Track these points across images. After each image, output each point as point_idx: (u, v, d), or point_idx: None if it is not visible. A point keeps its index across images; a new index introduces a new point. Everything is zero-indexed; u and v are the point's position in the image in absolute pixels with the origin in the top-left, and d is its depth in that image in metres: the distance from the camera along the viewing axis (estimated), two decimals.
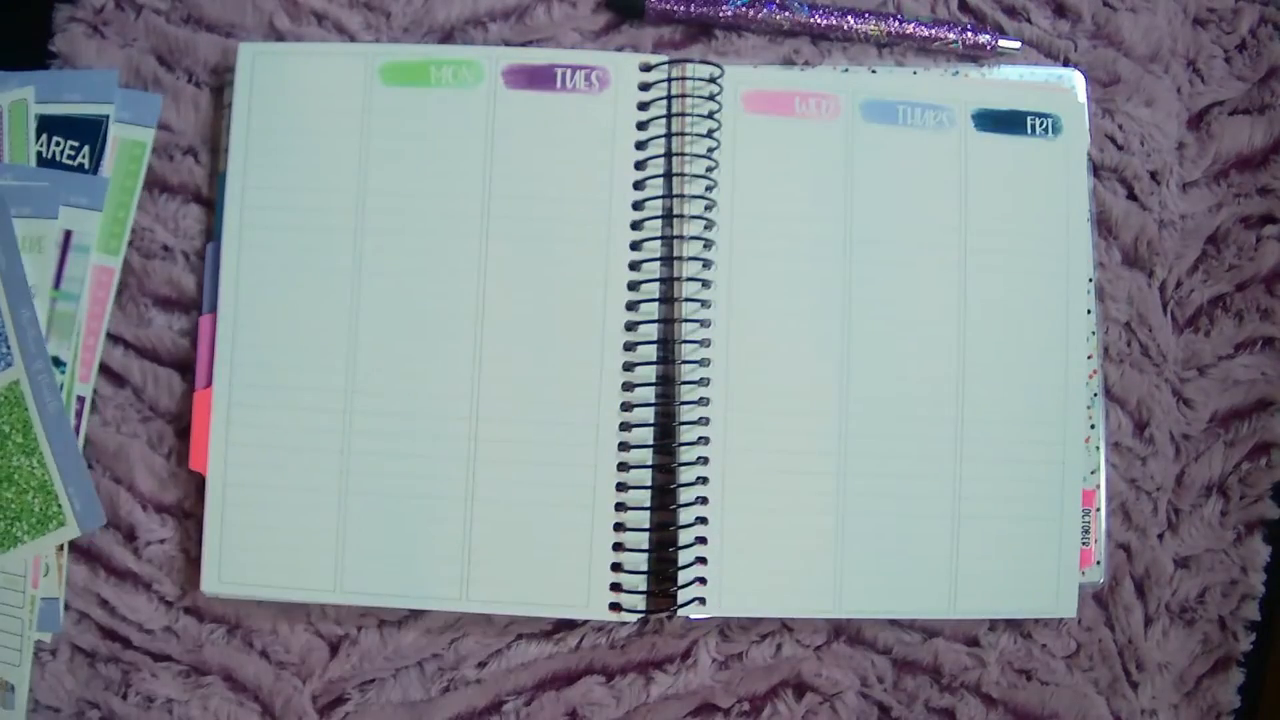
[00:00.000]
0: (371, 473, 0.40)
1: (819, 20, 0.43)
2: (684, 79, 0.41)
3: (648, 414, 0.40)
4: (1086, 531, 0.42)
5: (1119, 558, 0.43)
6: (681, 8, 0.43)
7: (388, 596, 0.40)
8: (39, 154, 0.41)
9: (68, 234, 0.41)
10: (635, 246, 0.40)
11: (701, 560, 0.40)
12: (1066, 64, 0.44)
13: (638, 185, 0.41)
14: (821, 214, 0.41)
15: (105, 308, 0.41)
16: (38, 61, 0.42)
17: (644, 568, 0.40)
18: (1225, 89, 0.45)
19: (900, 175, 0.41)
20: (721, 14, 0.43)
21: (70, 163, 0.41)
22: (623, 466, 0.40)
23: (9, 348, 0.40)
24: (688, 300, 0.40)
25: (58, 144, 0.41)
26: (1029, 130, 0.42)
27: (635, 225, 0.40)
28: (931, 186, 0.42)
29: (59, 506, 0.40)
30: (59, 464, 0.40)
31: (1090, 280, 0.42)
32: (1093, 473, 0.42)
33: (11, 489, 0.40)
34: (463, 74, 0.41)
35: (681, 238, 0.40)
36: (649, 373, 0.40)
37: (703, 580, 0.40)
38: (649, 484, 0.40)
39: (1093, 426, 0.42)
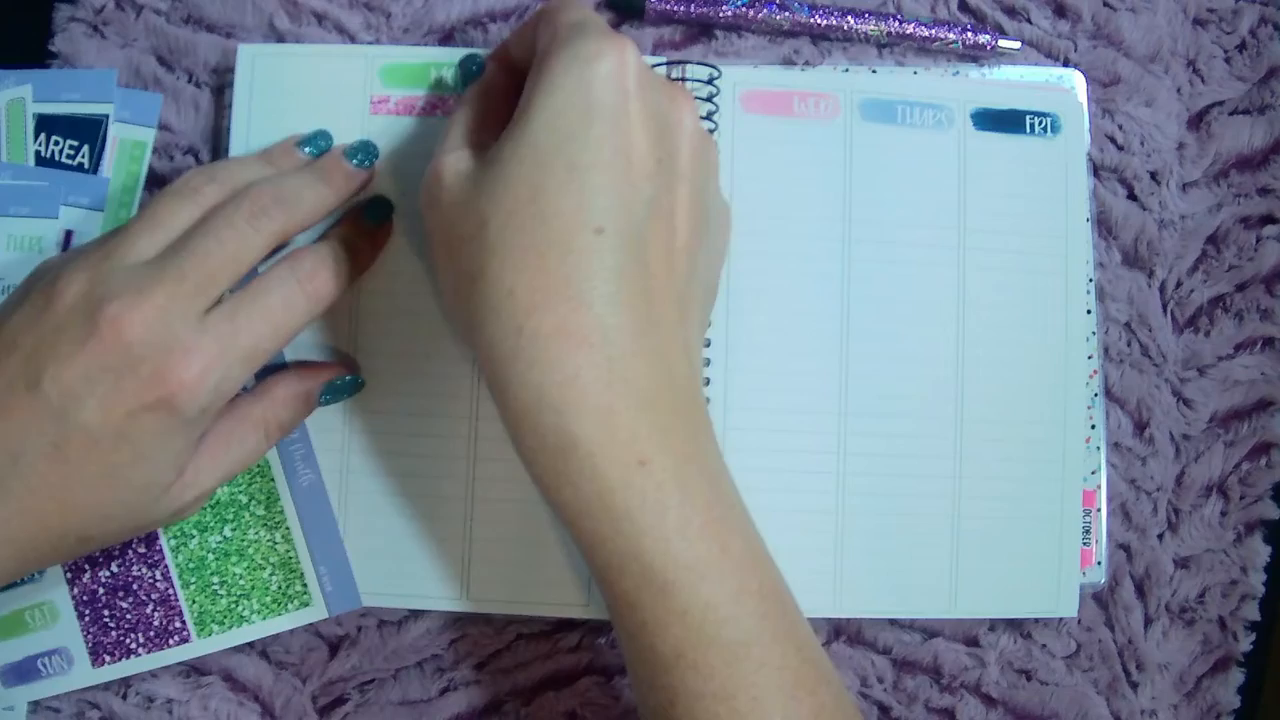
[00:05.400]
0: (370, 473, 0.40)
1: (819, 20, 0.43)
2: (683, 79, 0.41)
3: None
4: (1087, 532, 0.42)
5: (1119, 558, 0.43)
6: (681, 8, 0.43)
7: (387, 596, 0.40)
8: (38, 153, 0.41)
9: (68, 234, 0.41)
10: None
11: None
12: (1066, 64, 0.44)
13: None
14: (820, 214, 0.41)
15: None
16: (37, 61, 0.42)
17: None
18: (1225, 89, 0.45)
19: (899, 175, 0.41)
20: (721, 14, 0.43)
21: (70, 162, 0.41)
22: None
23: None
24: None
25: (56, 143, 0.41)
26: (1028, 130, 0.42)
27: None
28: (930, 186, 0.42)
29: (304, 586, 0.39)
30: (310, 541, 0.39)
31: (1090, 280, 0.42)
32: (1093, 473, 0.42)
33: (243, 564, 0.39)
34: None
35: None
36: None
37: None
38: None
39: (1093, 427, 0.42)
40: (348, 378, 0.39)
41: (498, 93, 0.37)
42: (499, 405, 0.31)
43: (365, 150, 0.39)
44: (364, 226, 0.39)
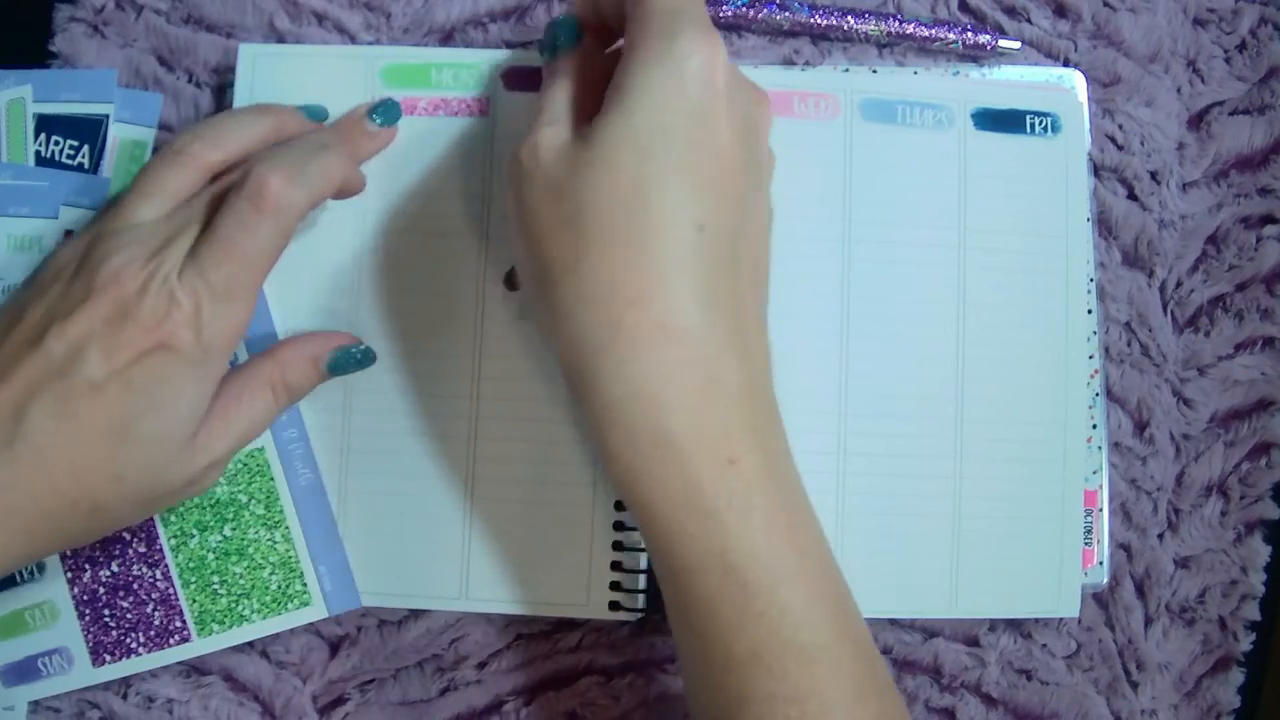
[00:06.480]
0: (370, 472, 0.40)
1: (819, 20, 0.43)
2: None
3: None
4: (1088, 532, 0.42)
5: (1119, 558, 0.43)
6: None
7: (387, 596, 0.40)
8: (38, 153, 0.41)
9: (68, 234, 0.41)
10: None
11: None
12: (1066, 64, 0.44)
13: None
14: (820, 214, 0.41)
15: None
16: (38, 61, 0.42)
17: (644, 567, 0.40)
18: (1225, 89, 0.45)
19: (899, 175, 0.41)
20: (721, 14, 0.43)
21: (70, 162, 0.41)
22: None
23: None
24: None
25: (57, 143, 0.41)
26: (1028, 129, 0.42)
27: None
28: (931, 186, 0.42)
29: (303, 585, 0.39)
30: (310, 541, 0.39)
31: (1091, 280, 0.42)
32: (1095, 473, 0.42)
33: (243, 563, 0.39)
34: (463, 76, 0.41)
35: None
36: None
37: None
38: None
39: (1094, 427, 0.42)
40: (357, 348, 0.38)
41: (594, 65, 0.35)
42: (584, 397, 0.30)
43: (387, 108, 0.39)
44: (343, 125, 0.39)
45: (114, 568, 0.39)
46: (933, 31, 0.43)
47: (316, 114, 0.39)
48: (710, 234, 0.30)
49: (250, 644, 0.41)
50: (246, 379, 0.36)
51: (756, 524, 0.30)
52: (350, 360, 0.38)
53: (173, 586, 0.39)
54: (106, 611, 0.39)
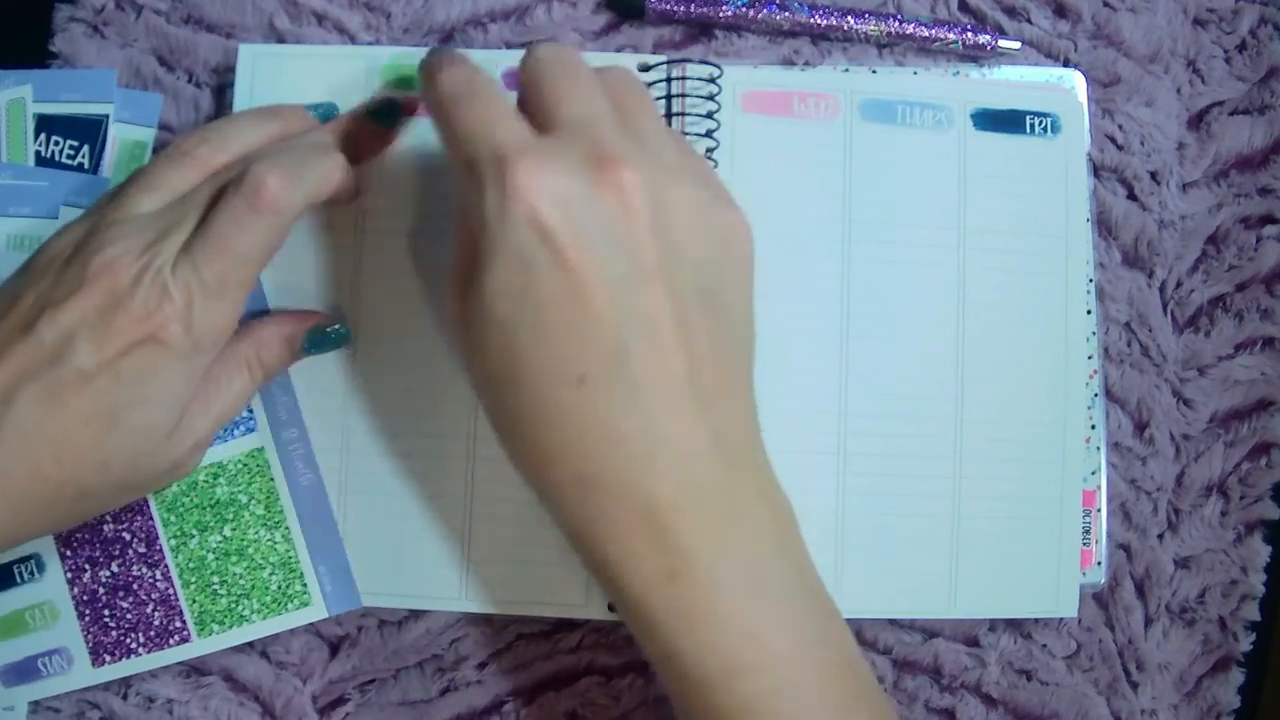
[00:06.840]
0: (370, 472, 0.40)
1: (819, 20, 0.43)
2: (683, 79, 0.41)
3: None
4: (1087, 532, 0.42)
5: (1119, 558, 0.43)
6: (681, 8, 0.43)
7: (387, 596, 0.40)
8: (38, 153, 0.41)
9: None
10: None
11: None
12: (1066, 64, 0.44)
13: None
14: (820, 214, 0.41)
15: None
16: (37, 61, 0.42)
17: None
18: (1225, 89, 0.45)
19: (899, 175, 0.41)
20: (721, 14, 0.43)
21: (70, 162, 0.41)
22: None
23: (252, 412, 0.39)
24: None
25: (57, 143, 0.41)
26: (1028, 130, 0.42)
27: None
28: (930, 186, 0.42)
29: (303, 585, 0.39)
30: (310, 541, 0.39)
31: (1090, 280, 0.42)
32: (1094, 473, 0.42)
33: (243, 564, 0.39)
34: None
35: None
36: None
37: None
38: None
39: (1093, 427, 0.42)
40: (332, 328, 0.39)
41: None
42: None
43: (389, 110, 0.39)
44: (336, 127, 0.38)
45: (114, 568, 0.39)
46: (933, 32, 0.43)
47: (327, 115, 0.39)
48: (594, 378, 0.29)
49: (250, 644, 0.41)
50: (223, 360, 0.36)
51: (703, 632, 0.30)
52: (325, 340, 0.38)
53: (172, 587, 0.39)
54: (106, 612, 0.39)
